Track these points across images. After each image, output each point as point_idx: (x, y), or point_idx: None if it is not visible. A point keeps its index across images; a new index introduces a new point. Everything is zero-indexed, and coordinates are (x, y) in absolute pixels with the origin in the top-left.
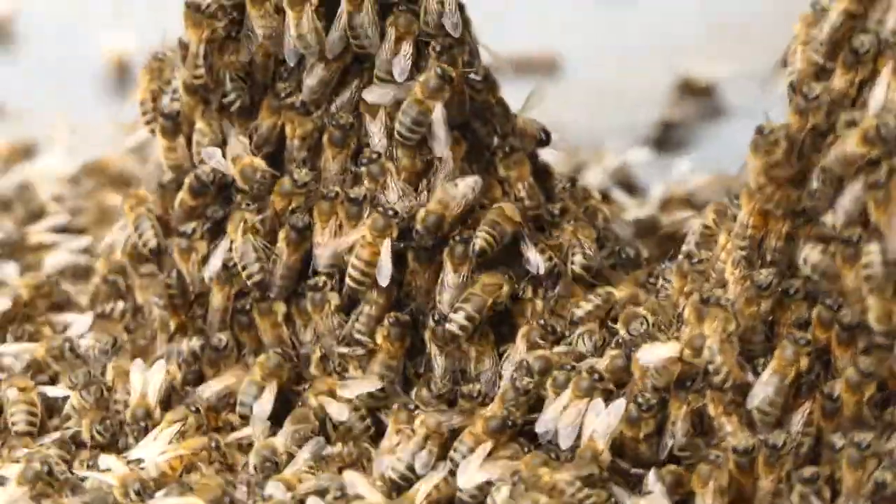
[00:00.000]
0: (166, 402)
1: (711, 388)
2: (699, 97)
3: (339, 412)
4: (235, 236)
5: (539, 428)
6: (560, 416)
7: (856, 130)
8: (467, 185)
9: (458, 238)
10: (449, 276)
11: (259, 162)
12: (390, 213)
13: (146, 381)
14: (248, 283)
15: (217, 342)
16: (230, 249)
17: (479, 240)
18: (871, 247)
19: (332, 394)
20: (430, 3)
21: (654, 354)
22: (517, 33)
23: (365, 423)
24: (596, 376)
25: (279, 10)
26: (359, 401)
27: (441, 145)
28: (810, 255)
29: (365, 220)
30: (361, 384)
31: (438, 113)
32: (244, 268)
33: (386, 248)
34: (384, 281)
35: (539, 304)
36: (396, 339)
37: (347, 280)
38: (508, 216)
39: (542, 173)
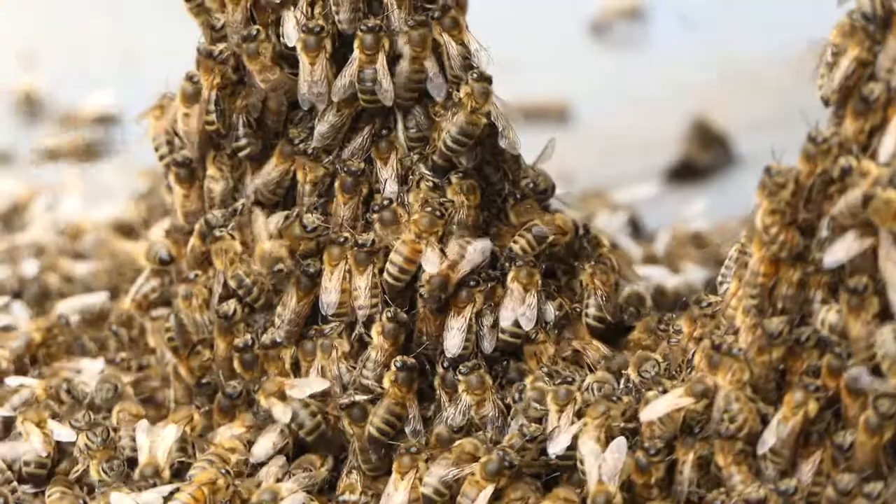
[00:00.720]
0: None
1: (721, 436)
2: (713, 143)
3: (283, 413)
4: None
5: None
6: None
7: (865, 179)
8: (478, 251)
9: (461, 281)
10: (453, 320)
11: (281, 251)
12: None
13: (154, 442)
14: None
15: (231, 390)
16: (224, 284)
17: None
18: (884, 329)
19: (281, 395)
20: (449, 51)
21: (655, 411)
22: (528, 80)
23: (316, 419)
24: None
25: (278, 61)
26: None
27: None
28: (827, 316)
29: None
30: (311, 384)
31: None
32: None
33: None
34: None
35: (550, 348)
36: (404, 383)
37: (386, 276)
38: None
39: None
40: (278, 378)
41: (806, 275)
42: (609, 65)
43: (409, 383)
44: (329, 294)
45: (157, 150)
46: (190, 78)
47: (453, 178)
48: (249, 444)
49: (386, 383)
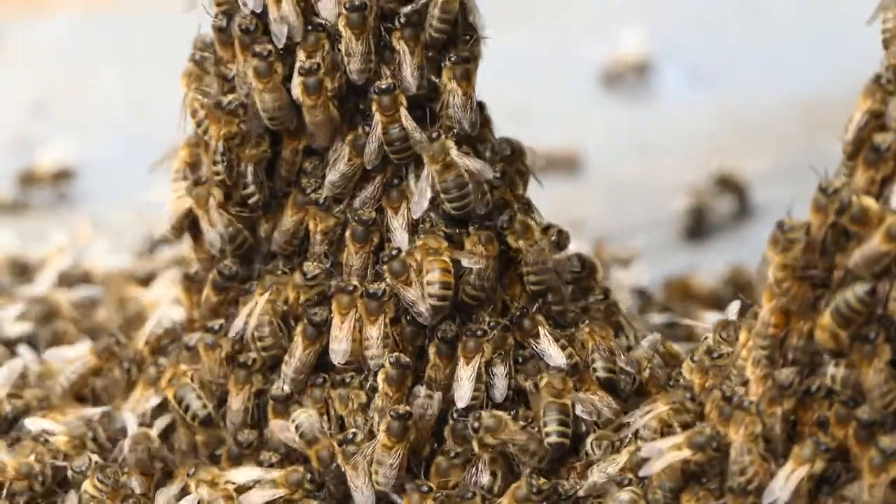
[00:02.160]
0: None
1: (732, 492)
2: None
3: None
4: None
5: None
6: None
7: (879, 229)
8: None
9: (469, 332)
10: (462, 370)
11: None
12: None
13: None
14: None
15: (243, 438)
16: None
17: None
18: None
19: (213, 483)
20: (451, 100)
21: (653, 468)
22: (538, 130)
23: None
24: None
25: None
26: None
27: None
28: (836, 372)
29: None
30: (245, 473)
31: None
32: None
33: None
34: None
35: None
36: (395, 434)
37: (432, 301)
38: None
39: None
40: (212, 468)
41: (816, 325)
42: (619, 115)
43: (402, 434)
44: (340, 342)
45: (174, 186)
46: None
47: (471, 230)
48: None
49: (380, 431)
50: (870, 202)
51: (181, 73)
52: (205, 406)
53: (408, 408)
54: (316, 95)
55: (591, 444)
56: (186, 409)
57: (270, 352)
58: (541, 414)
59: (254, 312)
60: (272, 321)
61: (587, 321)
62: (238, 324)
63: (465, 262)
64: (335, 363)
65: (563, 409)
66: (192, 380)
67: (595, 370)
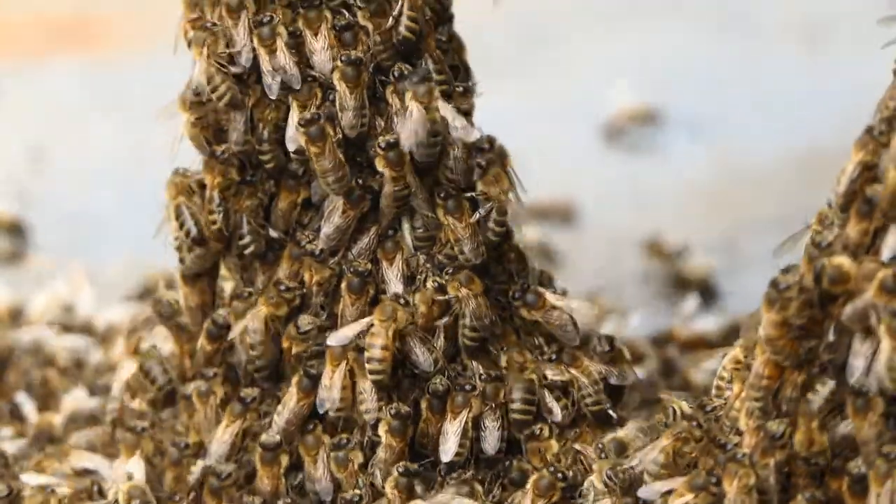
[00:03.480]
0: None
1: None
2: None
3: None
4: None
5: None
6: None
7: (872, 281)
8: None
9: (459, 386)
10: (448, 424)
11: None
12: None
13: None
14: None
15: (223, 470)
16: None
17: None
18: None
19: None
20: (449, 153)
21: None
22: (533, 180)
23: None
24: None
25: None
26: None
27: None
28: (839, 428)
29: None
30: None
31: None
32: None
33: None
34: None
35: (555, 445)
36: (403, 489)
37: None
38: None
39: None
40: None
41: (811, 377)
42: (616, 166)
43: (409, 490)
44: (330, 391)
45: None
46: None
47: (447, 278)
48: None
49: (387, 487)
50: (843, 261)
51: (178, 100)
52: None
53: (413, 465)
54: (321, 142)
55: (593, 482)
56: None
57: (258, 362)
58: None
59: (254, 315)
60: (266, 330)
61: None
62: (235, 329)
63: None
64: (321, 411)
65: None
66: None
67: (587, 405)
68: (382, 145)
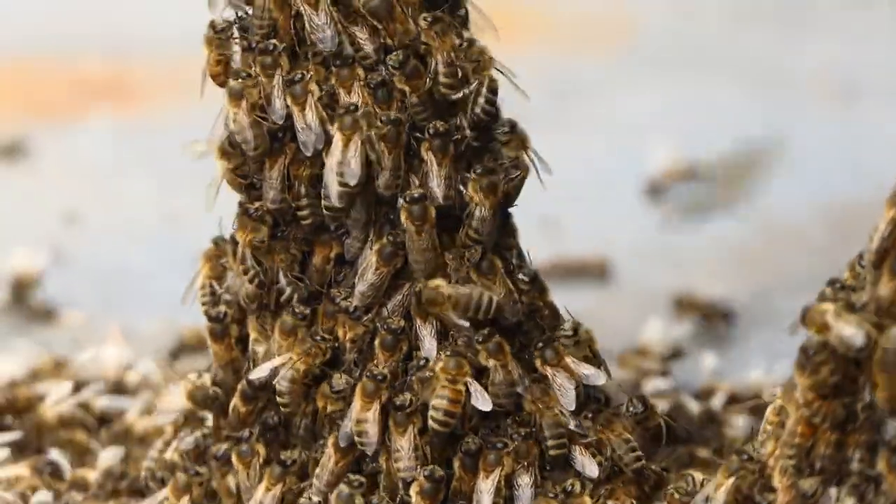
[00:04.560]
0: None
1: None
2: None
3: None
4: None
5: None
6: None
7: None
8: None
9: (490, 444)
10: (482, 482)
11: None
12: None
13: None
14: None
15: None
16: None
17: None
18: None
19: None
20: (477, 212)
21: None
22: (568, 239)
23: None
24: None
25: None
26: None
27: None
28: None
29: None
30: None
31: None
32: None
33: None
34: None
35: (588, 501)
36: None
37: (431, 423)
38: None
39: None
40: None
41: (844, 435)
42: (650, 224)
43: None
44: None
45: (201, 299)
46: (215, 318)
47: (479, 344)
48: None
49: None
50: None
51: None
52: None
53: None
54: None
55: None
56: None
57: (285, 410)
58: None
59: (284, 365)
60: (298, 380)
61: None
62: (264, 368)
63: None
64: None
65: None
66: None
67: (626, 464)
68: (407, 199)
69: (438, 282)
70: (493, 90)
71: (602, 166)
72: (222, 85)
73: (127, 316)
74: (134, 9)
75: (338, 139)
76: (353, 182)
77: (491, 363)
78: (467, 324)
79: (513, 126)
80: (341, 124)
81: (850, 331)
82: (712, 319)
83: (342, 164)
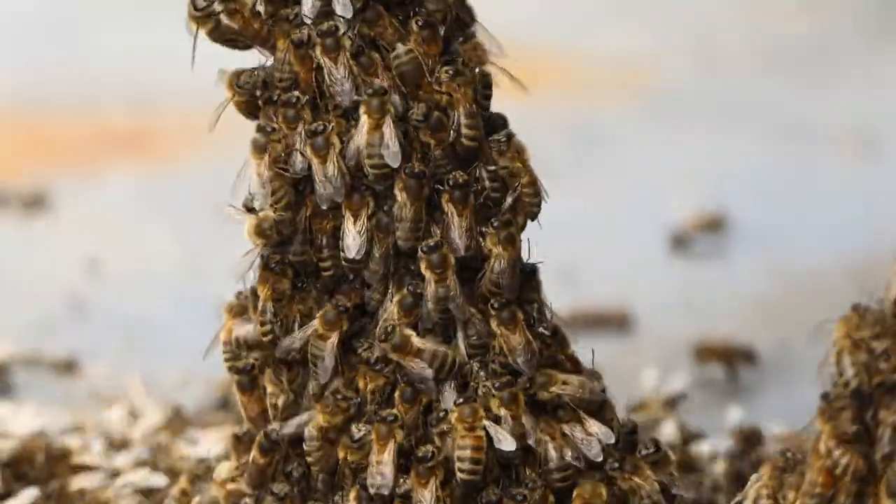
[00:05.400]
0: None
1: None
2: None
3: None
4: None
5: None
6: None
7: None
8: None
9: (510, 495)
10: None
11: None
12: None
13: None
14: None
15: None
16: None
17: None
18: None
19: None
20: (496, 265)
21: None
22: (588, 289)
23: None
24: None
25: None
26: None
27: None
28: None
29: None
30: None
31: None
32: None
33: None
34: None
35: None
36: None
37: (460, 475)
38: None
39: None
40: None
41: (865, 484)
42: (672, 272)
43: None
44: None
45: (224, 355)
46: (242, 370)
47: (494, 392)
48: None
49: None
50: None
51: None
52: None
53: None
54: (441, 270)
55: None
56: None
57: (315, 469)
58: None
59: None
60: (322, 437)
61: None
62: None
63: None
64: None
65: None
66: None
67: None
68: (425, 249)
69: (410, 332)
70: (487, 90)
71: (624, 216)
72: (264, 43)
73: (148, 366)
74: (156, 59)
75: (365, 121)
76: (395, 164)
77: (503, 412)
78: (431, 373)
79: (510, 136)
80: (369, 107)
81: None
82: (734, 362)
83: (378, 146)
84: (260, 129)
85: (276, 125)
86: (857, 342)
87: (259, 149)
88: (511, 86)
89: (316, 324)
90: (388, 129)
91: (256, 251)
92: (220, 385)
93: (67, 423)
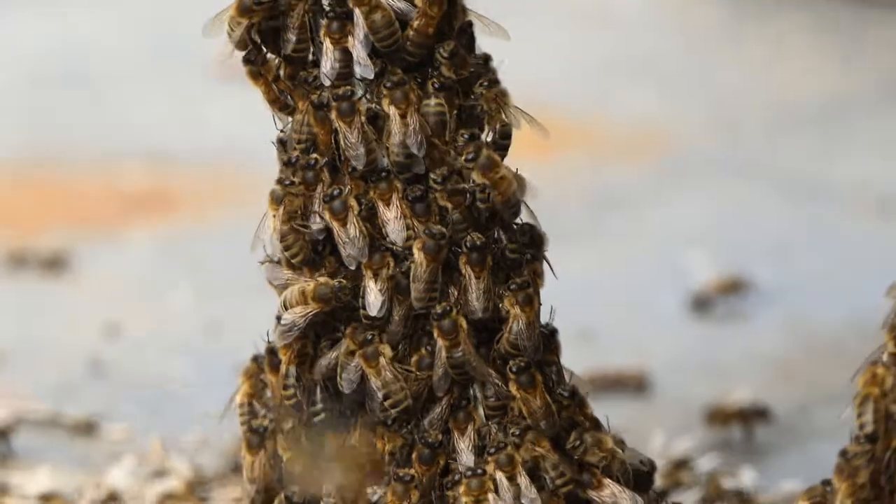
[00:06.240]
0: None
1: None
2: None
3: None
4: None
5: None
6: None
7: None
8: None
9: None
10: None
11: None
12: None
13: None
14: None
15: None
16: None
17: None
18: None
19: None
20: (515, 326)
21: None
22: (605, 351)
23: None
24: None
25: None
26: None
27: None
28: None
29: None
30: None
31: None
32: None
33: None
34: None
35: None
36: None
37: None
38: None
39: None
40: None
41: None
42: (689, 336)
43: None
44: None
45: (240, 417)
46: (255, 430)
47: (489, 457)
48: None
49: None
50: None
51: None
52: None
53: None
54: (454, 336)
55: None
56: None
57: None
58: None
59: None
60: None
61: None
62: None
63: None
64: None
65: None
66: None
67: None
68: (436, 315)
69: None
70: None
71: (643, 278)
72: (283, 109)
73: (168, 428)
74: (176, 119)
75: (394, 113)
76: (421, 152)
77: (498, 475)
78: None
79: (493, 81)
80: (392, 98)
81: None
82: (749, 421)
83: (406, 136)
84: (279, 181)
85: (295, 182)
86: (886, 391)
87: (276, 201)
88: (530, 133)
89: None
90: (413, 119)
91: (307, 316)
92: (236, 448)
93: (81, 483)
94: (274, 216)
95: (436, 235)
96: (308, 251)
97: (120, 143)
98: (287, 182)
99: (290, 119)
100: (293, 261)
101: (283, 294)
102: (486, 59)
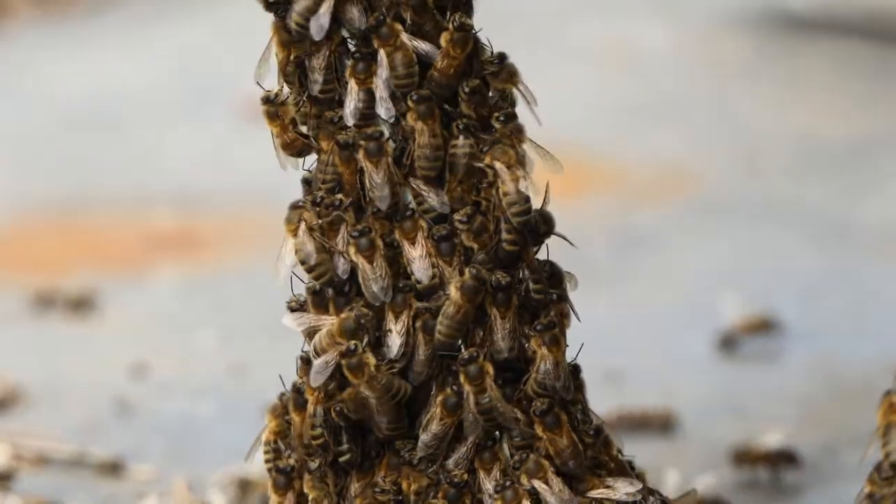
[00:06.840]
0: None
1: None
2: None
3: None
4: None
5: None
6: None
7: None
8: None
9: None
10: None
11: None
12: None
13: None
14: None
15: None
16: None
17: None
18: None
19: None
20: (542, 366)
21: None
22: (632, 390)
23: None
24: None
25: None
26: None
27: None
28: None
29: None
30: None
31: None
32: None
33: None
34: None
35: None
36: None
37: None
38: None
39: None
40: None
41: None
42: (716, 376)
43: None
44: None
45: (265, 456)
46: (282, 470)
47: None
48: None
49: None
50: None
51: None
52: None
53: None
54: (480, 381)
55: None
56: None
57: None
58: None
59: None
60: None
61: None
62: None
63: None
64: None
65: None
66: None
67: None
68: (462, 361)
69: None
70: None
71: (670, 318)
72: (298, 154)
73: (194, 468)
74: (201, 161)
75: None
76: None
77: (535, 483)
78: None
79: (502, 57)
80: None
81: None
82: (777, 465)
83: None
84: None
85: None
86: None
87: (292, 220)
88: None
89: None
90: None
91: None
92: (262, 487)
93: None
94: (295, 237)
95: (479, 277)
96: (333, 271)
97: (148, 184)
98: (300, 202)
99: (299, 161)
100: (318, 283)
101: (312, 341)
102: (502, 56)
